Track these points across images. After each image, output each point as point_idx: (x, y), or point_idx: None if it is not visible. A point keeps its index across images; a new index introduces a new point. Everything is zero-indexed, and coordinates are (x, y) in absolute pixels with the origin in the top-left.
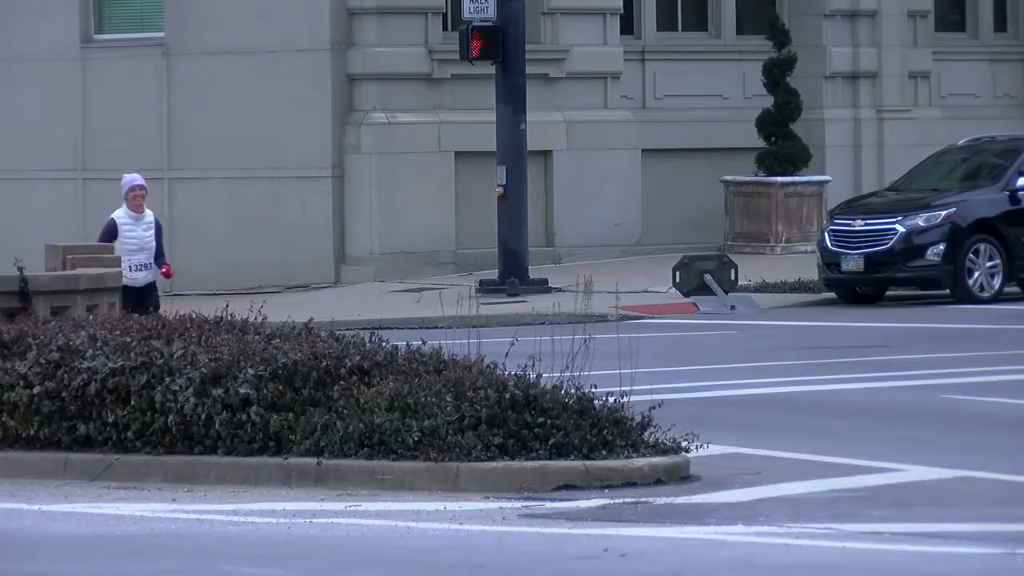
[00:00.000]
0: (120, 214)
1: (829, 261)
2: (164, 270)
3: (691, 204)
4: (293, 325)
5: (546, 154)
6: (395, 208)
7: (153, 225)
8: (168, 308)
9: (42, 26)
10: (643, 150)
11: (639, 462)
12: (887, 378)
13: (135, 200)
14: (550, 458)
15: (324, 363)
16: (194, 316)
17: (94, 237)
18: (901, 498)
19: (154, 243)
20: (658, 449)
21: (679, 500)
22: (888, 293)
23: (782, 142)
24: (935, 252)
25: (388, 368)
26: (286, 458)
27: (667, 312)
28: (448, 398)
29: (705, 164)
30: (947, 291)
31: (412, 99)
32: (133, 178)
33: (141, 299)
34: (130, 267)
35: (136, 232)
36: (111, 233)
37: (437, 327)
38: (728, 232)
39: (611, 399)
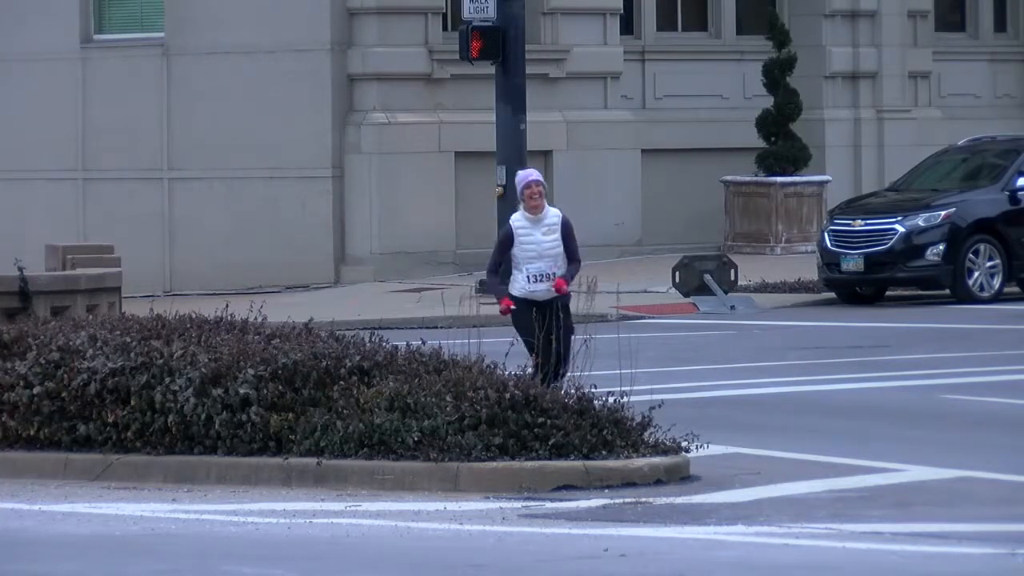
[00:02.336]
0: (517, 216)
1: (829, 261)
2: (557, 283)
3: (691, 204)
4: (293, 325)
5: (546, 154)
6: (395, 208)
7: (557, 227)
8: (168, 308)
9: (42, 26)
10: (643, 150)
11: (639, 462)
12: (887, 378)
13: (531, 199)
14: (550, 458)
15: (324, 363)
16: (194, 316)
17: (94, 237)
18: (901, 498)
19: (559, 247)
20: (658, 449)
21: (679, 500)
22: (888, 293)
23: (782, 142)
24: (935, 252)
25: (388, 368)
26: (286, 458)
27: (667, 312)
28: (448, 398)
29: (705, 164)
30: (947, 291)
31: (412, 99)
32: (527, 174)
33: (545, 315)
34: (527, 278)
35: (534, 236)
36: (508, 239)
37: (437, 327)
38: (728, 232)
39: (611, 399)
